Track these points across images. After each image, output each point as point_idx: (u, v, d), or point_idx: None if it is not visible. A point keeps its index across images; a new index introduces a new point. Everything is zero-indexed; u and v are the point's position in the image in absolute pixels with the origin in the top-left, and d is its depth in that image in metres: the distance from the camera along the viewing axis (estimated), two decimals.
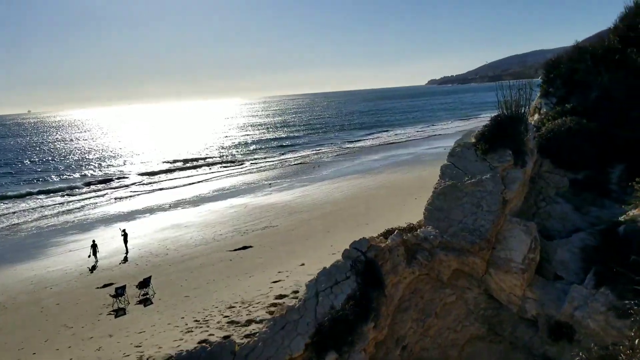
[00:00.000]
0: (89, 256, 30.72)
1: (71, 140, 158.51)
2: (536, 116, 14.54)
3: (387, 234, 11.00)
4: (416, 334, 10.11)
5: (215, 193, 53.31)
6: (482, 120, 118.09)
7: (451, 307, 10.42)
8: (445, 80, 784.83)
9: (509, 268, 10.28)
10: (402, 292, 10.03)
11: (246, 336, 17.79)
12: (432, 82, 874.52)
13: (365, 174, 56.20)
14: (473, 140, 11.95)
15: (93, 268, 29.27)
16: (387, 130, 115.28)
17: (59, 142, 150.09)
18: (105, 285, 26.09)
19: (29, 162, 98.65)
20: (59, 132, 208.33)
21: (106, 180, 71.04)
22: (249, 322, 18.87)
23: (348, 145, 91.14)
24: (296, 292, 21.55)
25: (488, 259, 10.45)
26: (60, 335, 20.28)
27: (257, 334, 9.60)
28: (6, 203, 56.71)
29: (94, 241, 30.91)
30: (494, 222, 10.46)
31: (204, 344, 9.51)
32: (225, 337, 17.77)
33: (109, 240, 36.14)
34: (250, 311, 19.99)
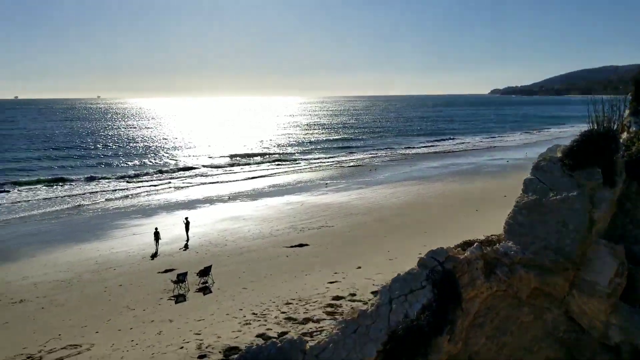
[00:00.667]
0: (156, 246, 31.13)
1: (137, 127, 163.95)
2: (625, 135, 13.80)
3: (464, 245, 10.72)
4: (490, 351, 9.80)
5: (272, 189, 53.86)
6: (548, 134, 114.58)
7: (528, 326, 10.04)
8: (508, 91, 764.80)
9: (594, 291, 9.81)
10: (478, 307, 9.74)
11: (303, 334, 17.78)
12: (495, 91, 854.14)
13: (423, 181, 55.41)
14: (559, 154, 11.45)
15: (153, 256, 29.91)
16: (446, 138, 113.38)
17: (126, 129, 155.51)
18: (166, 271, 26.74)
19: (96, 146, 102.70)
20: (126, 119, 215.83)
21: (169, 169, 73.07)
22: (306, 320, 18.89)
23: (406, 151, 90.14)
24: (353, 294, 21.44)
25: (571, 280, 10.00)
26: (122, 316, 20.91)
27: (327, 335, 9.50)
28: (73, 184, 59.18)
29: (156, 229, 31.53)
30: (580, 242, 10.01)
31: (273, 339, 9.48)
32: (283, 334, 17.84)
33: (170, 226, 37.04)
34: (307, 309, 20.01)
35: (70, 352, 17.46)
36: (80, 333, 19.21)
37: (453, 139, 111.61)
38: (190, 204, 46.33)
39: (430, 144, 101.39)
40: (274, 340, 9.57)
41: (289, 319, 19.14)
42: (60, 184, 59.07)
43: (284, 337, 9.47)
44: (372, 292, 21.45)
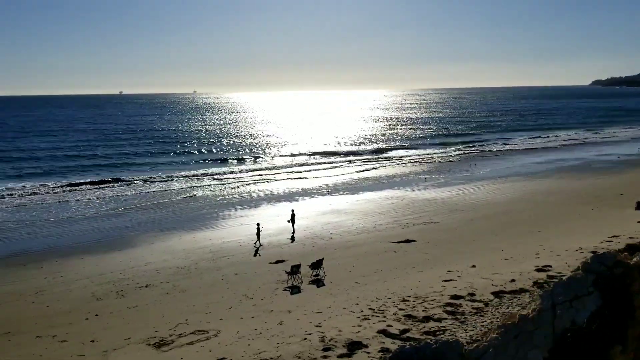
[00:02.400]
0: (256, 242, 31.25)
1: (233, 121, 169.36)
2: None
3: (629, 249, 9.97)
4: None
5: (369, 183, 53.71)
6: None
7: None
8: (611, 82, 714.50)
9: None
10: None
11: (425, 333, 17.55)
12: (596, 82, 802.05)
13: (529, 177, 53.05)
14: None
15: (256, 251, 30.08)
16: (548, 132, 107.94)
17: (222, 122, 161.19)
18: (277, 262, 27.30)
19: (196, 139, 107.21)
20: (221, 113, 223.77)
21: (266, 161, 74.98)
22: (426, 319, 18.56)
23: (505, 146, 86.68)
24: (472, 294, 20.82)
25: None
26: (242, 304, 21.56)
27: (488, 339, 9.15)
28: (178, 177, 62.05)
29: (258, 225, 31.98)
30: None
31: (427, 340, 9.30)
32: (404, 331, 17.69)
33: (274, 218, 37.86)
34: (425, 307, 19.67)
35: (200, 337, 18.22)
36: (205, 319, 20.01)
37: (556, 134, 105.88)
38: (290, 197, 47.15)
39: (531, 139, 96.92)
40: (428, 341, 9.38)
41: (408, 316, 18.89)
42: (165, 176, 62.01)
43: (438, 338, 9.28)
44: (493, 293, 20.79)
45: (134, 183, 56.75)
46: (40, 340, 18.81)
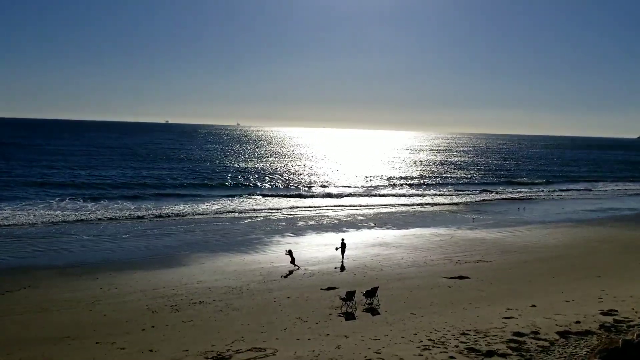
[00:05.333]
0: (291, 262, 31.85)
1: (275, 153, 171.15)
2: None
3: None
4: None
5: (416, 219, 53.21)
6: None
7: None
8: None
9: None
10: None
11: None
12: None
13: (581, 224, 51.57)
14: None
15: (290, 273, 30.30)
16: (595, 183, 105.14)
17: (266, 154, 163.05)
18: (329, 288, 27.04)
19: (242, 168, 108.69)
20: (265, 145, 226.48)
21: (306, 193, 75.26)
22: (490, 353, 17.91)
23: (553, 193, 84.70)
24: (536, 332, 20.04)
25: None
26: (296, 327, 21.32)
27: None
28: (224, 201, 62.85)
29: (289, 251, 32.32)
30: None
31: None
32: None
33: (322, 247, 37.79)
34: (488, 342, 19.00)
35: (257, 355, 18.03)
36: (261, 338, 19.83)
37: (604, 183, 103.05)
38: (336, 227, 47.04)
39: (578, 187, 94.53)
40: None
41: (471, 349, 18.27)
42: (213, 201, 62.84)
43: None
44: (558, 333, 19.97)
45: (183, 206, 57.63)
46: (100, 345, 18.98)
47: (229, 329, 20.92)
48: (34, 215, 47.32)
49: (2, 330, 20.65)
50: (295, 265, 31.78)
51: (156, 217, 50.25)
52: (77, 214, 49.37)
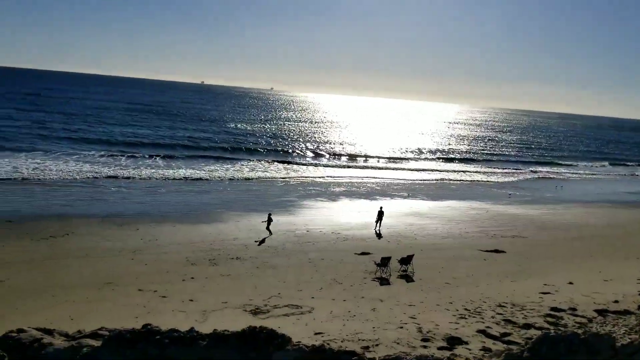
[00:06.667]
0: (267, 228, 30.68)
1: (308, 119, 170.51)
2: None
3: None
4: None
5: (450, 192, 52.79)
6: None
7: None
8: None
9: None
10: None
11: (527, 339, 16.83)
12: None
13: (622, 205, 50.38)
14: None
15: (262, 241, 28.66)
16: (638, 165, 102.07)
17: (300, 120, 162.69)
18: (363, 253, 27.16)
19: (277, 132, 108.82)
20: (298, 110, 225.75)
21: (342, 160, 75.14)
22: (527, 326, 17.82)
23: (591, 175, 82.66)
24: (573, 309, 19.83)
25: None
26: (332, 287, 21.55)
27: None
28: (255, 164, 63.28)
29: (269, 215, 31.27)
30: None
31: (575, 331, 8.84)
32: (505, 334, 17.04)
33: (355, 213, 37.90)
34: (525, 315, 18.90)
35: (294, 311, 18.35)
36: (297, 295, 20.13)
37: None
38: (369, 195, 47.01)
39: (620, 170, 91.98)
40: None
41: (507, 321, 18.21)
42: (245, 163, 63.39)
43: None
44: (596, 311, 19.72)
45: (215, 166, 58.30)
46: (142, 293, 19.56)
47: (266, 285, 21.27)
48: (73, 168, 48.55)
49: (47, 273, 21.39)
50: (270, 232, 30.61)
51: (191, 176, 50.89)
52: (113, 169, 50.37)
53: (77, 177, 44.89)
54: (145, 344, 12.18)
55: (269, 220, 30.74)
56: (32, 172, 44.88)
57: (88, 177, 45.14)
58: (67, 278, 20.98)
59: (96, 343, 13.21)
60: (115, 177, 46.56)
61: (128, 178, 46.52)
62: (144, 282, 20.68)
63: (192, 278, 21.62)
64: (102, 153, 59.26)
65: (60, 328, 13.92)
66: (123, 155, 59.05)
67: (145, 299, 18.96)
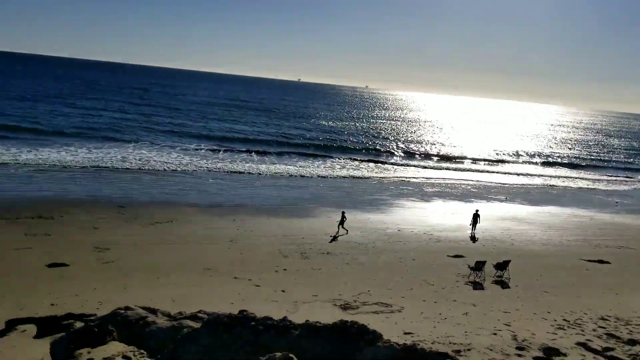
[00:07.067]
0: (338, 225, 30.03)
1: (406, 119, 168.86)
2: None
3: None
4: None
5: (550, 197, 50.37)
6: None
7: None
8: None
9: None
10: None
11: (633, 355, 15.74)
12: None
13: None
14: None
15: (334, 238, 28.36)
16: None
17: (395, 119, 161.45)
18: (456, 256, 26.54)
19: (364, 133, 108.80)
20: (393, 109, 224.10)
21: (441, 161, 73.73)
22: (632, 342, 16.62)
23: None
24: None
25: None
26: (422, 288, 21.26)
27: None
28: (348, 162, 63.56)
29: (343, 213, 30.41)
30: None
31: None
32: (607, 349, 16.01)
33: (448, 215, 37.11)
34: (630, 331, 17.64)
35: (383, 309, 18.31)
36: (387, 294, 20.06)
37: None
38: (464, 197, 45.81)
39: None
40: None
41: (610, 335, 17.09)
42: (336, 161, 63.93)
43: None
44: None
45: (306, 162, 59.34)
46: (238, 281, 20.36)
47: (356, 281, 21.38)
48: (175, 159, 51.39)
49: (152, 256, 22.78)
50: (344, 229, 30.06)
51: (284, 172, 52.11)
52: (211, 161, 52.67)
53: (179, 168, 47.42)
54: (240, 329, 12.68)
55: (343, 219, 30.49)
56: (139, 162, 47.99)
57: (188, 169, 47.55)
58: (169, 262, 22.23)
59: (195, 324, 13.96)
60: (214, 169, 48.67)
61: (225, 171, 48.46)
62: (239, 271, 21.50)
63: (285, 270, 22.18)
64: (202, 146, 62.23)
65: (162, 308, 14.74)
66: (221, 149, 61.56)
67: (240, 286, 19.72)
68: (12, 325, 15.24)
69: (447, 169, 66.85)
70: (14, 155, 44.79)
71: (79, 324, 14.92)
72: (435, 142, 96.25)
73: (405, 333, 16.10)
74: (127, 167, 45.38)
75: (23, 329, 14.91)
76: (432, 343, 15.30)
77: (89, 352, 13.17)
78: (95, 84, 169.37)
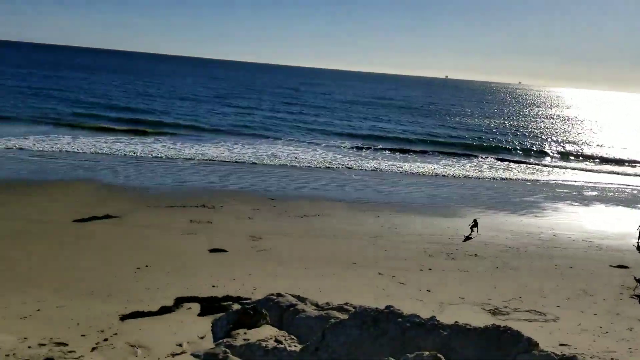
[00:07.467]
0: (471, 229, 28.15)
1: (564, 118, 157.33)
2: None
3: None
4: None
5: None
6: None
7: None
8: None
9: None
10: None
11: None
12: None
13: None
14: None
15: (467, 238, 27.29)
16: None
17: (550, 117, 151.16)
18: (619, 266, 24.19)
19: (512, 132, 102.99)
20: (548, 107, 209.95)
21: (600, 162, 67.81)
22: None
23: None
24: None
25: None
26: (580, 299, 19.71)
27: None
28: (492, 161, 60.64)
29: (475, 220, 28.43)
30: None
31: None
32: None
33: (611, 221, 33.97)
34: None
35: (536, 318, 17.32)
36: (540, 302, 18.92)
37: None
38: (630, 202, 41.56)
39: None
40: None
41: None
42: (482, 158, 61.42)
43: None
44: None
45: (453, 161, 57.78)
46: (382, 276, 20.51)
47: (506, 286, 20.44)
48: (320, 156, 53.00)
49: (301, 247, 23.75)
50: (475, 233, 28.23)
51: (428, 171, 51.27)
52: (354, 159, 53.38)
53: (324, 165, 48.85)
54: (386, 324, 12.72)
55: (475, 224, 28.87)
56: (287, 158, 50.30)
57: (332, 165, 48.80)
58: (317, 254, 23.04)
59: (342, 316, 14.30)
60: (357, 166, 49.39)
61: (368, 169, 48.93)
62: (383, 267, 21.64)
63: (430, 269, 21.88)
64: (347, 144, 63.40)
65: (310, 297, 15.31)
66: (364, 147, 62.21)
67: (384, 282, 19.85)
68: (179, 302, 16.90)
69: (611, 172, 60.95)
70: (179, 150, 49.48)
71: (236, 306, 16.09)
72: (594, 143, 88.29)
73: (561, 345, 15.07)
74: (278, 163, 47.80)
75: (189, 307, 16.44)
76: (592, 357, 14.16)
77: (245, 333, 14.11)
78: (251, 84, 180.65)
